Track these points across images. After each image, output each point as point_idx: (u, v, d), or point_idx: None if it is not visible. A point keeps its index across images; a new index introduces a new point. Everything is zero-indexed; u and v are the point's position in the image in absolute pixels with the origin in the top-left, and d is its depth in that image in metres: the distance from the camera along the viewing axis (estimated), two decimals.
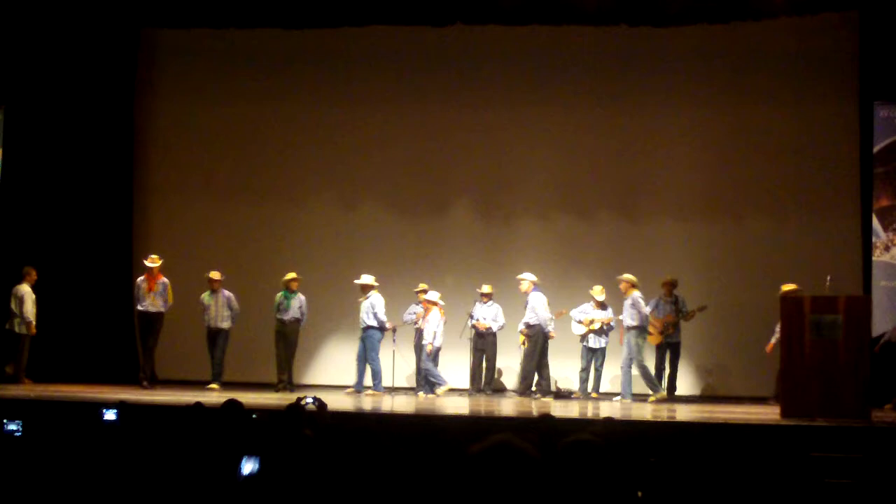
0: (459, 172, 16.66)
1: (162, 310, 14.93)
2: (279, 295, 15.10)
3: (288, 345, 15.12)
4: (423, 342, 14.83)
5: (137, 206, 16.91)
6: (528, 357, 14.76)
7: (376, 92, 16.67)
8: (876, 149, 14.44)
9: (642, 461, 5.60)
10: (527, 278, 14.76)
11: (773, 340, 13.81)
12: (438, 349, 14.96)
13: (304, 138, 16.89)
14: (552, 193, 16.46)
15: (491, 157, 16.54)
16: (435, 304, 14.90)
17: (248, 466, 5.46)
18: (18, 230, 15.76)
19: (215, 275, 15.17)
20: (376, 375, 14.81)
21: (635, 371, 14.23)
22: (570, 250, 16.21)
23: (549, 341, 14.79)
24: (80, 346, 15.44)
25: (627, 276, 14.42)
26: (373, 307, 14.76)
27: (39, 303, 15.05)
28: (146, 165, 17.04)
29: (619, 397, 14.34)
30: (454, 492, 3.15)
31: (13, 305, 14.90)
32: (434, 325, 14.81)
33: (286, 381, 14.97)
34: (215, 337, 15.15)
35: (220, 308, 15.14)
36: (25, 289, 15.01)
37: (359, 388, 14.77)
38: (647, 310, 14.36)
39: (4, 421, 6.81)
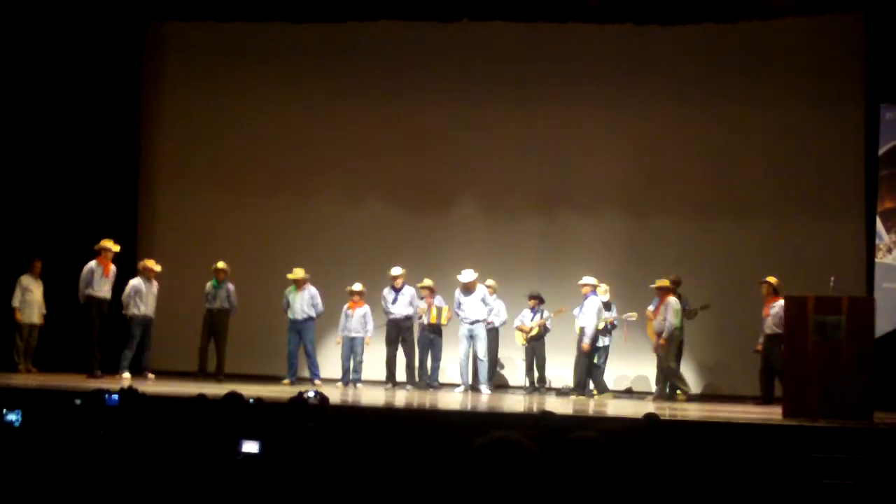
0: (464, 168, 16.66)
1: (109, 297, 14.77)
2: (208, 284, 15.21)
3: (217, 334, 15.20)
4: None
5: (142, 198, 16.94)
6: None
7: (381, 87, 16.67)
8: (881, 151, 14.39)
9: (643, 459, 5.59)
10: (397, 272, 15.05)
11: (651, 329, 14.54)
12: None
13: (310, 132, 16.90)
14: (556, 191, 16.45)
15: (496, 153, 16.53)
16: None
17: (248, 446, 5.45)
18: (24, 222, 15.77)
19: (152, 263, 15.11)
20: (317, 365, 15.25)
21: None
22: (574, 248, 16.20)
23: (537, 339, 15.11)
24: (85, 336, 15.37)
25: (468, 272, 14.84)
26: (313, 298, 15.14)
27: (45, 294, 15.11)
28: (151, 158, 17.07)
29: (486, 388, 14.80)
30: (456, 486, 3.16)
31: (19, 296, 14.95)
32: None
33: (217, 372, 15.01)
34: (148, 326, 15.01)
35: (153, 298, 15.04)
36: (31, 279, 15.06)
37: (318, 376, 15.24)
38: (493, 303, 15.01)
39: (4, 411, 6.74)
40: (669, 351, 14.20)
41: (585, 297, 14.61)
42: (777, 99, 15.75)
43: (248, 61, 16.87)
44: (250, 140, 16.94)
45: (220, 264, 15.20)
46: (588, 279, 14.69)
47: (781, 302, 13.64)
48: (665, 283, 14.38)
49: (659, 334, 14.21)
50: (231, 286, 15.25)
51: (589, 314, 14.46)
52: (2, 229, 15.66)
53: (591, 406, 13.21)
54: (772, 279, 14.08)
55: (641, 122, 16.20)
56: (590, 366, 14.62)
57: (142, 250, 16.13)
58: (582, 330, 14.54)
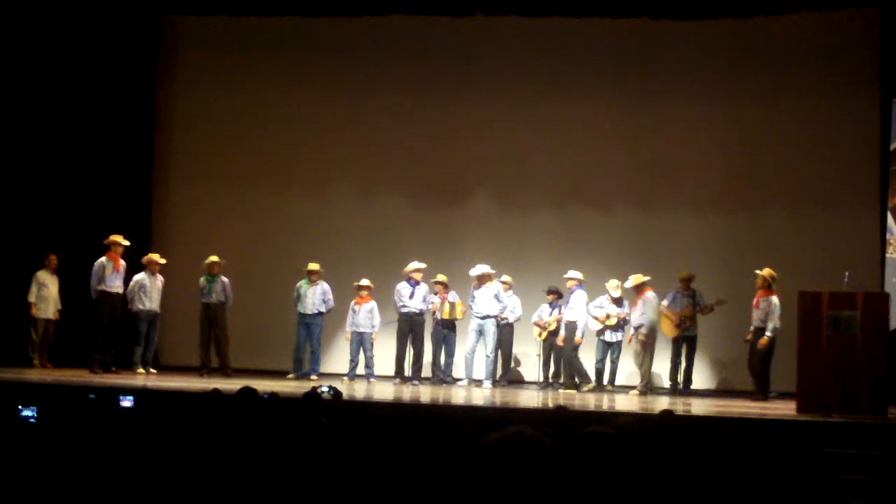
0: (477, 163, 16.63)
1: (121, 292, 14.78)
2: (202, 279, 15.21)
3: (217, 328, 15.21)
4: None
5: (156, 193, 16.97)
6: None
7: (394, 81, 16.65)
8: (893, 146, 14.33)
9: (656, 454, 5.59)
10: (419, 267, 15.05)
11: (630, 332, 14.67)
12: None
13: (323, 127, 16.89)
14: (570, 186, 16.43)
15: (509, 147, 16.50)
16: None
17: None
18: (39, 217, 15.81)
19: (157, 257, 15.14)
20: (319, 361, 15.23)
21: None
22: (586, 243, 16.17)
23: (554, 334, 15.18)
24: (92, 332, 15.38)
25: (479, 266, 15.03)
26: (325, 294, 15.12)
27: (60, 289, 15.16)
28: (165, 153, 17.08)
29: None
30: (470, 481, 3.16)
31: (35, 291, 14.99)
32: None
33: (222, 366, 15.06)
34: (154, 321, 15.05)
35: (158, 293, 15.06)
36: (47, 274, 15.10)
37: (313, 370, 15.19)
38: (508, 300, 15.13)
39: (19, 407, 6.75)
40: (648, 347, 14.39)
41: (571, 291, 14.78)
42: (791, 94, 15.68)
43: (261, 56, 16.87)
44: (264, 135, 16.94)
45: (214, 258, 15.19)
46: (573, 273, 14.88)
47: (773, 299, 13.70)
48: (640, 279, 14.44)
49: (638, 328, 14.44)
50: (225, 279, 15.24)
51: (578, 308, 14.68)
52: (17, 224, 15.70)
53: (605, 401, 13.20)
54: (767, 272, 14.00)
55: (655, 117, 16.14)
56: (575, 357, 14.84)
57: (155, 245, 16.17)
58: (567, 325, 14.75)
